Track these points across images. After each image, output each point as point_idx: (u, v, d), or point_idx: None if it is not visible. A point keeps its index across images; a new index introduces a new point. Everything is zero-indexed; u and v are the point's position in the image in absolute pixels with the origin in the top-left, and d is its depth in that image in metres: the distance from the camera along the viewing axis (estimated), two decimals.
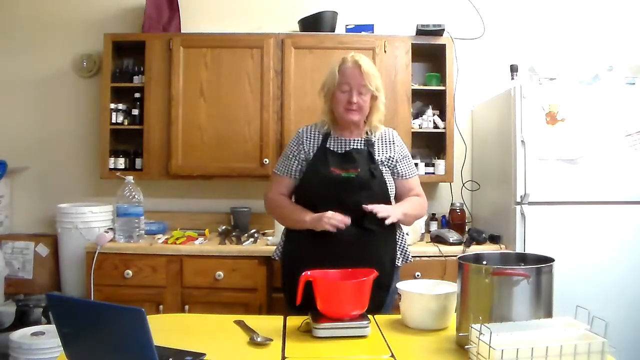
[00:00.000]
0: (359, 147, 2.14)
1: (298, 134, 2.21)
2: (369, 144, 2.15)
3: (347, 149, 2.14)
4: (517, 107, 2.81)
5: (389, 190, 2.13)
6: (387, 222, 1.99)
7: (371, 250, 2.04)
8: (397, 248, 2.17)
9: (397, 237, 2.18)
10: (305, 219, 2.04)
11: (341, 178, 2.06)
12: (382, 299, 2.06)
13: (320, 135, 2.17)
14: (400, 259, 2.18)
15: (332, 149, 2.14)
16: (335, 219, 1.96)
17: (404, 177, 2.19)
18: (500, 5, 3.51)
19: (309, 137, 2.18)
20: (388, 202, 2.13)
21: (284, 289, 2.19)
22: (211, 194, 3.47)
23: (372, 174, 2.08)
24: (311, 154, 2.14)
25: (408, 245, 2.27)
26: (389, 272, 2.10)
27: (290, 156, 2.18)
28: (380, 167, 2.12)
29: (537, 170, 2.80)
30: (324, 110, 2.18)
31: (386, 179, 2.12)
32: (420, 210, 2.24)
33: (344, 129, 2.17)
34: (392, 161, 2.16)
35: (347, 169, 2.07)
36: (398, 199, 2.19)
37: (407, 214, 2.13)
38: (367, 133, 2.18)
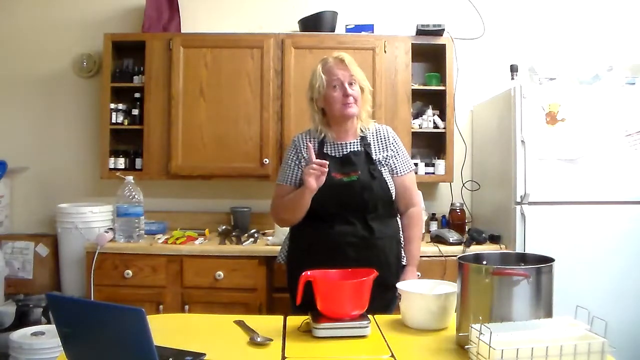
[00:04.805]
0: (356, 149, 2.13)
1: (294, 142, 2.20)
2: (366, 144, 2.14)
3: (345, 152, 2.13)
4: (517, 107, 2.81)
5: (390, 189, 2.12)
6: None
7: (377, 250, 2.05)
8: (402, 248, 2.18)
9: (400, 234, 2.19)
10: (303, 189, 1.99)
11: (343, 182, 2.05)
12: (390, 299, 2.06)
13: (316, 142, 2.16)
14: (406, 258, 2.19)
15: (330, 154, 2.13)
16: (312, 168, 1.93)
17: (398, 174, 2.16)
18: (500, 5, 3.51)
19: (305, 144, 2.16)
20: (390, 202, 2.13)
21: (291, 290, 2.18)
22: (211, 194, 3.47)
23: (372, 176, 2.08)
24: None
25: None
26: (396, 272, 2.11)
27: (291, 164, 2.16)
28: (379, 167, 2.12)
29: (537, 170, 2.80)
30: (315, 117, 2.17)
31: (386, 179, 2.12)
32: (422, 227, 2.37)
33: (339, 132, 2.15)
34: (389, 159, 2.15)
35: (348, 173, 2.07)
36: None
37: (419, 254, 2.24)
38: (361, 130, 2.16)
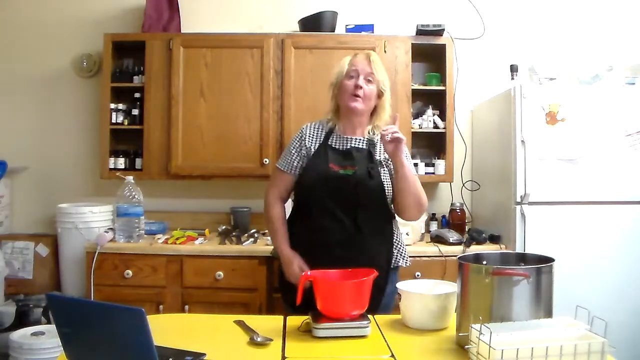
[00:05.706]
0: (360, 146, 2.13)
1: (301, 130, 2.21)
2: (371, 143, 2.14)
3: (348, 147, 2.13)
4: (517, 107, 2.81)
5: (386, 191, 2.08)
6: (395, 136, 1.92)
7: (365, 251, 2.02)
8: (394, 248, 2.14)
9: (394, 237, 2.15)
10: (282, 251, 2.11)
11: (338, 175, 2.04)
12: (377, 300, 2.03)
13: (323, 132, 2.16)
14: (400, 260, 2.16)
15: (333, 145, 2.13)
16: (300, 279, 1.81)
17: None
18: (500, 5, 3.51)
19: (311, 133, 2.17)
20: (384, 204, 2.10)
21: (281, 288, 2.20)
22: (211, 194, 3.47)
23: (369, 174, 2.05)
24: (312, 150, 2.13)
25: (407, 245, 2.26)
26: (384, 274, 2.07)
27: (293, 151, 2.17)
28: (379, 168, 2.10)
29: (537, 170, 2.80)
30: (330, 108, 2.18)
31: (383, 180, 2.09)
32: (422, 192, 2.07)
33: (346, 125, 2.15)
34: (391, 161, 2.12)
35: (344, 166, 2.06)
36: (396, 199, 2.14)
37: (413, 174, 2.04)
38: (369, 133, 2.15)
